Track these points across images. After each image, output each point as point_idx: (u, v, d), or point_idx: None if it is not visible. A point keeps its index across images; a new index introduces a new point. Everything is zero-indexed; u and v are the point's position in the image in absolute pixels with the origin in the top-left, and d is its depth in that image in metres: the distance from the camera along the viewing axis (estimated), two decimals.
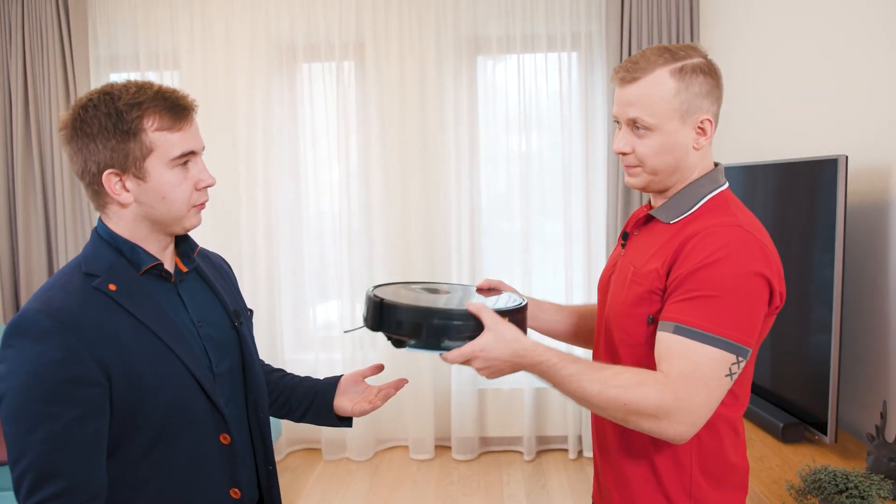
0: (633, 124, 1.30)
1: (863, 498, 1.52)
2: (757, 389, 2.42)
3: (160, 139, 1.19)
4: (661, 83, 1.27)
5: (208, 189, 1.29)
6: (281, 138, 3.92)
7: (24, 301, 3.78)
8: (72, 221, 3.77)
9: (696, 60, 1.29)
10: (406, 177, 3.89)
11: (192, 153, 1.24)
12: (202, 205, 1.28)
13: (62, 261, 3.77)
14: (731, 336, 1.17)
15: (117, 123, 1.17)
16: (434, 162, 3.90)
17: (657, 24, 3.56)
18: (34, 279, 3.78)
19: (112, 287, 1.19)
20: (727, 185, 1.36)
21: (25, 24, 3.69)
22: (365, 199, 3.93)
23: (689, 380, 1.16)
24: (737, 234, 1.22)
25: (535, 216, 3.97)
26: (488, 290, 1.54)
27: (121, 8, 3.82)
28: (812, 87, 2.50)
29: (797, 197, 2.24)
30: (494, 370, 1.24)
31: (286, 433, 4.07)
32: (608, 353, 1.39)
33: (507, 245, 4.02)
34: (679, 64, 1.27)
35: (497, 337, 1.22)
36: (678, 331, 1.18)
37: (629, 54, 3.63)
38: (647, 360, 1.28)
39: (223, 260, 1.54)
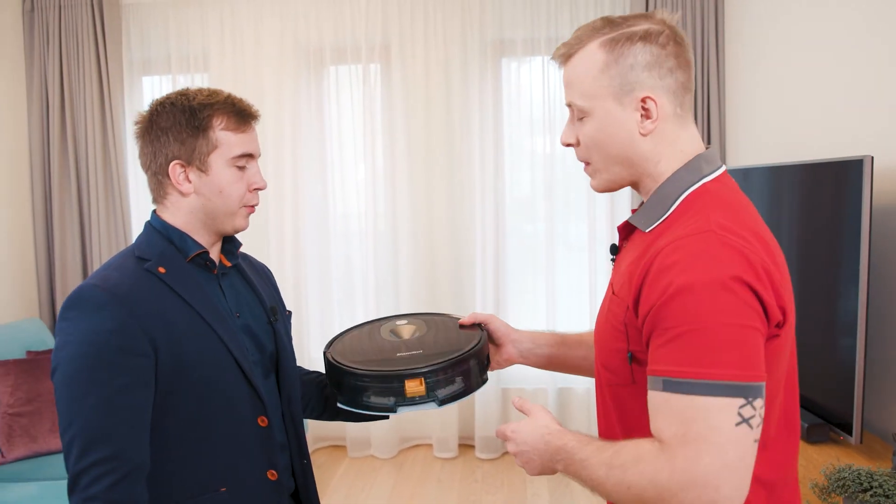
0: (573, 110, 1.13)
1: (887, 496, 1.52)
2: None
3: (225, 138, 1.31)
4: (589, 57, 1.08)
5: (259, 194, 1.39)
6: (308, 140, 3.96)
7: (59, 299, 3.88)
8: (105, 222, 3.85)
9: (636, 28, 1.07)
10: (431, 178, 3.92)
11: (250, 156, 1.35)
12: (252, 208, 1.38)
13: (96, 259, 3.86)
14: (728, 375, 0.91)
15: (190, 119, 1.30)
16: (459, 164, 3.92)
17: (682, 25, 3.56)
18: (69, 277, 3.87)
19: (162, 270, 1.28)
20: (717, 171, 1.10)
21: (63, 30, 3.78)
22: (390, 200, 3.96)
23: (683, 444, 0.91)
24: (708, 242, 0.96)
25: (559, 219, 3.97)
26: (471, 325, 1.51)
27: (153, 13, 3.90)
28: (837, 88, 2.49)
29: (822, 198, 2.23)
30: (525, 459, 1.14)
31: (312, 430, 4.13)
32: (601, 399, 1.19)
33: (530, 247, 4.03)
34: (613, 34, 1.07)
35: (530, 422, 1.15)
36: (667, 386, 0.94)
37: None
38: (633, 405, 1.08)
39: (265, 267, 1.63)
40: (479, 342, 1.42)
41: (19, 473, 2.98)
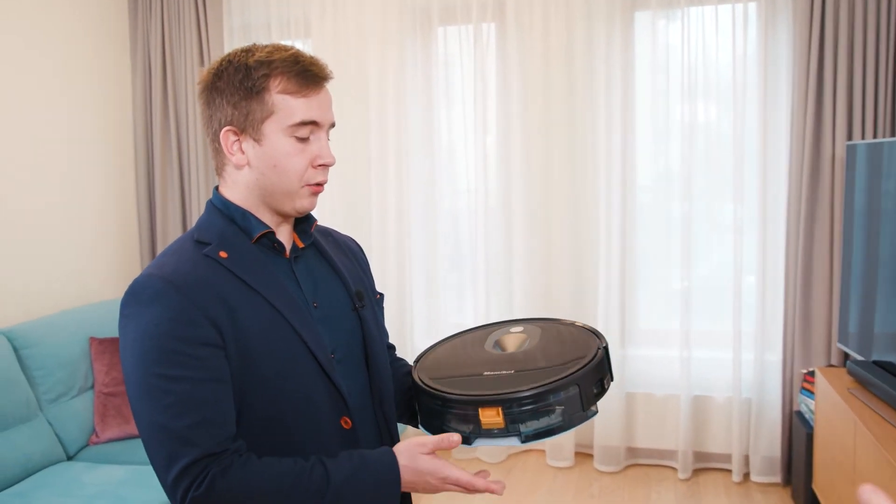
0: None
1: None
2: None
3: (282, 102, 1.13)
4: None
5: (329, 170, 1.19)
6: (415, 109, 3.65)
7: None
8: (206, 194, 3.73)
9: None
10: (550, 150, 3.50)
11: (315, 124, 1.15)
12: (318, 187, 1.18)
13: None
14: None
15: (243, 80, 1.13)
16: (582, 135, 3.47)
17: None
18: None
19: (223, 254, 1.14)
20: None
21: None
22: (504, 175, 3.59)
23: None
24: None
25: (700, 198, 3.43)
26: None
27: None
28: None
29: None
30: None
31: (410, 427, 3.81)
32: None
33: (664, 230, 3.51)
34: None
35: None
36: None
37: (822, 3, 3.01)
38: None
39: (352, 240, 1.43)
40: (586, 364, 1.13)
41: (111, 455, 2.91)
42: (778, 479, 3.30)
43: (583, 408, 1.11)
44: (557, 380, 1.09)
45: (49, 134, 3.34)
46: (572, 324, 1.34)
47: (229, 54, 1.17)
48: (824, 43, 3.04)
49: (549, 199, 3.53)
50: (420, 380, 1.22)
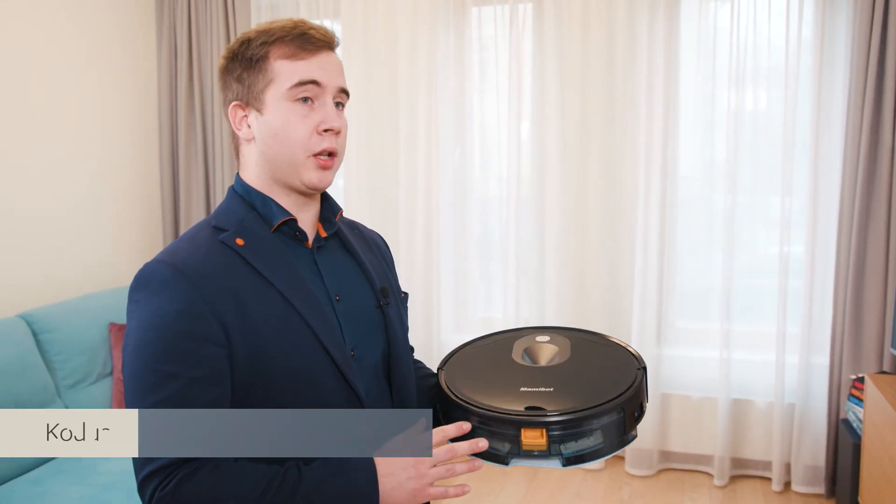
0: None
1: None
2: None
3: (281, 68, 1.09)
4: None
5: (340, 144, 1.14)
6: (446, 93, 3.51)
7: None
8: (230, 177, 3.66)
9: None
10: (586, 138, 3.33)
11: (315, 84, 1.09)
12: (328, 159, 1.11)
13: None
14: None
15: (244, 51, 1.11)
16: (622, 122, 3.29)
17: None
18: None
19: (239, 242, 1.10)
20: None
21: None
22: (538, 163, 3.43)
23: None
24: None
25: (746, 190, 3.24)
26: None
27: None
28: None
29: None
30: None
31: None
32: None
33: (706, 223, 3.34)
34: None
35: None
36: None
37: None
38: None
39: (379, 236, 1.39)
40: (630, 388, 1.10)
41: None
42: (821, 489, 3.12)
43: (625, 432, 1.09)
44: (603, 403, 1.06)
45: (72, 118, 3.29)
46: (604, 337, 1.30)
47: (240, 35, 1.15)
48: (887, 25, 2.81)
49: (585, 189, 3.36)
50: (451, 391, 1.15)
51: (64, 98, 3.24)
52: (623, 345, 1.26)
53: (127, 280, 3.52)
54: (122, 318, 3.11)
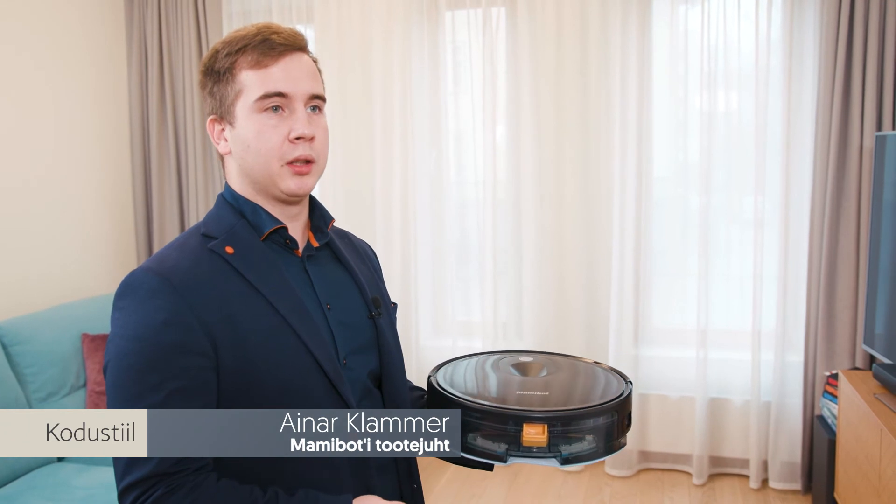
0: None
1: None
2: None
3: (247, 79, 1.09)
4: None
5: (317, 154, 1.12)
6: (421, 97, 3.51)
7: None
8: (203, 185, 3.64)
9: None
10: (561, 140, 3.35)
11: (281, 95, 1.08)
12: (303, 166, 1.10)
13: (194, 218, 3.64)
14: None
15: (213, 64, 1.11)
16: (596, 123, 3.32)
17: None
18: (167, 238, 3.69)
19: (229, 250, 1.09)
20: None
21: None
22: (514, 165, 3.44)
23: None
24: None
25: (719, 190, 3.28)
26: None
27: None
28: None
29: None
30: None
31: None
32: None
33: (681, 224, 3.37)
34: None
35: None
36: None
37: None
38: None
39: (369, 246, 1.39)
40: (622, 394, 1.14)
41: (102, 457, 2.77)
42: (798, 486, 3.16)
43: (618, 437, 1.12)
44: (601, 404, 1.10)
45: (42, 126, 3.24)
46: (579, 359, 1.34)
47: (212, 46, 1.16)
48: (853, 27, 2.86)
49: (561, 191, 3.38)
50: (446, 390, 1.15)
51: (33, 107, 3.18)
52: (608, 366, 1.30)
53: (99, 290, 3.47)
54: (94, 329, 3.06)
